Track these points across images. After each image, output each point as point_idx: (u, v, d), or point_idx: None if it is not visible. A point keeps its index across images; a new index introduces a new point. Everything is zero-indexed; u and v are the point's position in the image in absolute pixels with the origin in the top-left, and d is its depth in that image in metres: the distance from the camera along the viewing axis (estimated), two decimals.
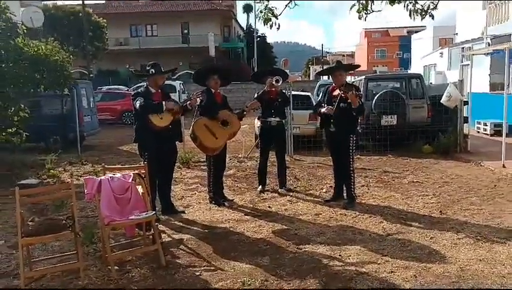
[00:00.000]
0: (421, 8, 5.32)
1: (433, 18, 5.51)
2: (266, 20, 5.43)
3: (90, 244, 5.01)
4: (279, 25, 5.52)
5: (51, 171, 8.98)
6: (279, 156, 7.53)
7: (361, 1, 5.35)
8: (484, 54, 14.22)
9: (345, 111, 6.33)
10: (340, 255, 4.64)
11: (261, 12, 5.48)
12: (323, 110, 6.60)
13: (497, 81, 15.62)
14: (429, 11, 5.33)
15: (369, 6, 5.37)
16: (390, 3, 5.36)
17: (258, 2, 5.50)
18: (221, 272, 4.34)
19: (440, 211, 6.16)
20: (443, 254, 4.60)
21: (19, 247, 4.11)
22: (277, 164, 7.59)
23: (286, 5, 5.47)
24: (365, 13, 5.43)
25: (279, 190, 7.43)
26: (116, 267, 4.34)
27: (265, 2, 5.41)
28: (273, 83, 7.14)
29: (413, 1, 5.30)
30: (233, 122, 6.52)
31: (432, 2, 5.30)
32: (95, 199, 4.44)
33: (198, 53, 38.74)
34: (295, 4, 5.47)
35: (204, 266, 4.49)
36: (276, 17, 5.44)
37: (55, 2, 26.43)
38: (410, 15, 5.42)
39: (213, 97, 6.57)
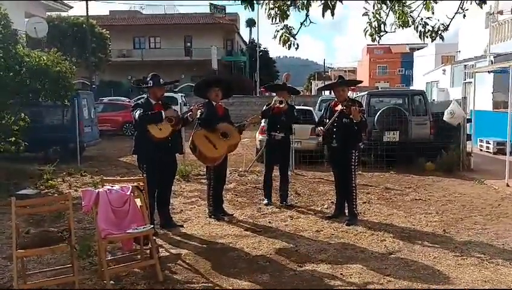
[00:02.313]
0: (431, 29, 5.29)
1: (442, 39, 5.49)
2: (285, 41, 5.35)
3: (87, 257, 4.92)
4: (297, 45, 5.43)
5: (50, 181, 8.90)
6: (282, 172, 7.46)
7: (373, 24, 5.31)
8: (487, 71, 14.21)
9: (347, 126, 6.28)
10: (341, 274, 4.53)
11: (277, 32, 5.38)
12: (316, 129, 6.58)
13: (500, 100, 15.61)
14: (439, 32, 5.30)
15: (382, 28, 5.34)
16: (401, 27, 5.34)
17: (273, 24, 5.38)
18: (219, 289, 4.24)
19: (443, 230, 6.05)
20: (447, 275, 4.50)
21: (13, 259, 4.02)
22: (279, 179, 7.52)
23: (302, 23, 5.37)
24: (378, 36, 5.40)
25: (280, 205, 7.34)
26: (112, 282, 4.24)
27: (283, 22, 5.31)
28: (277, 103, 7.14)
29: (423, 23, 5.28)
30: (233, 135, 6.44)
31: (442, 24, 5.26)
32: (92, 211, 4.36)
33: (201, 66, 38.86)
34: (310, 22, 5.37)
35: (202, 283, 4.39)
36: (293, 36, 5.37)
37: (59, 13, 26.41)
38: (420, 36, 5.39)
39: (214, 109, 6.51)
